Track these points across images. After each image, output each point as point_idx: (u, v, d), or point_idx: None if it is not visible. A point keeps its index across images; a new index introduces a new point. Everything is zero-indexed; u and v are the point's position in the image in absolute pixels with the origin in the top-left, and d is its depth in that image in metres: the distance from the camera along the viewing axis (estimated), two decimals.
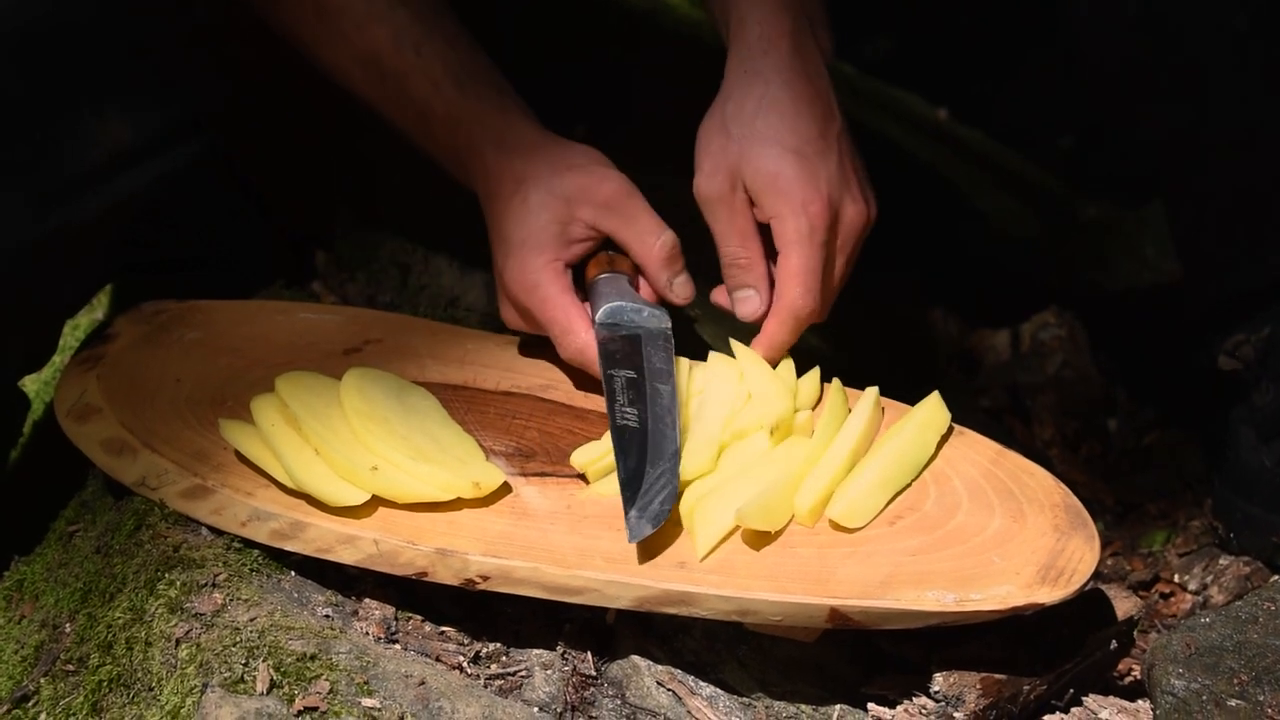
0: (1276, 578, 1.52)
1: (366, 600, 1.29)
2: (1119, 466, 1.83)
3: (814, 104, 1.40)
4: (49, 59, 1.43)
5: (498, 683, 1.25)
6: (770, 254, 1.41)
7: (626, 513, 1.23)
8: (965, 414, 1.43)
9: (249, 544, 1.29)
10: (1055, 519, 1.28)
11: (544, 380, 1.44)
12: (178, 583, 1.25)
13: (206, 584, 1.25)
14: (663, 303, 1.42)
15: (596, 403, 1.40)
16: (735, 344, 1.42)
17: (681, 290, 1.42)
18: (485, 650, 1.28)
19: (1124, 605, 1.36)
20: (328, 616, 1.26)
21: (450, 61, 1.44)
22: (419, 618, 1.30)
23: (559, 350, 1.39)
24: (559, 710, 1.24)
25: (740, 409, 1.36)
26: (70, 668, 1.27)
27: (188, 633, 1.21)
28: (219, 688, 1.17)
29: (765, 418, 1.33)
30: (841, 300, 1.44)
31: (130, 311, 1.51)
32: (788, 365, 1.41)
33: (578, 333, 1.37)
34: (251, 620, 1.22)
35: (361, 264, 1.72)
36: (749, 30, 1.40)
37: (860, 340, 1.70)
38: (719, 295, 1.45)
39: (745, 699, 1.27)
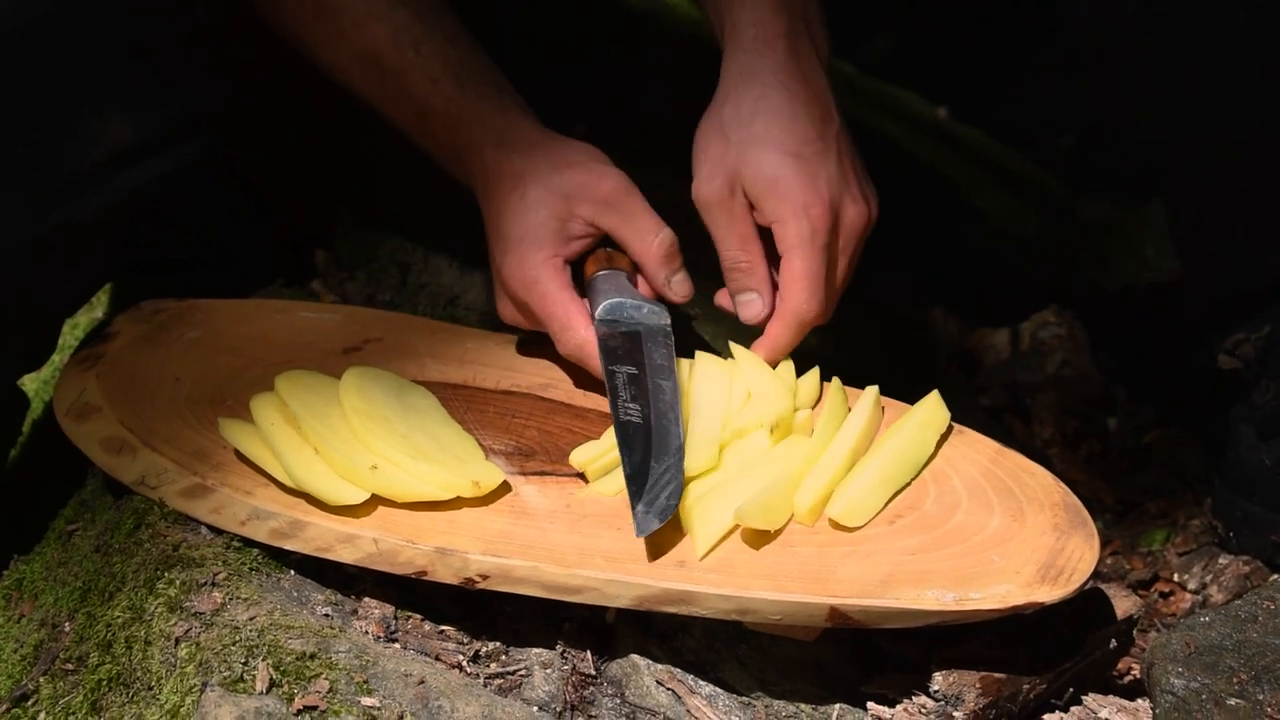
0: (1276, 577, 1.52)
1: (366, 599, 1.29)
2: (1119, 465, 1.83)
3: (811, 105, 1.40)
4: (49, 59, 1.43)
5: (497, 682, 1.25)
6: (771, 255, 1.41)
7: (634, 507, 1.23)
8: (965, 413, 1.43)
9: (248, 543, 1.29)
10: (1055, 518, 1.28)
11: (544, 379, 1.44)
12: (177, 581, 1.25)
13: (206, 583, 1.25)
14: (661, 301, 1.42)
15: (596, 401, 1.40)
16: (734, 346, 1.41)
17: (680, 288, 1.42)
18: (485, 649, 1.28)
19: (1123, 604, 1.36)
20: (327, 615, 1.26)
21: (450, 59, 1.45)
22: (418, 617, 1.30)
23: (558, 346, 1.39)
24: (558, 709, 1.24)
25: (739, 408, 1.36)
26: (69, 667, 1.27)
27: (187, 631, 1.21)
28: (218, 687, 1.17)
29: (765, 416, 1.33)
30: (842, 300, 1.44)
31: (130, 310, 1.50)
32: (787, 365, 1.41)
33: (577, 329, 1.37)
34: (251, 619, 1.22)
35: (361, 263, 1.72)
36: (744, 32, 1.40)
37: (860, 339, 1.70)
38: (722, 298, 1.45)
39: (745, 698, 1.27)
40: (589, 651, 1.28)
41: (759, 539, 1.26)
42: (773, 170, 1.37)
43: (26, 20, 1.42)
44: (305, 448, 1.29)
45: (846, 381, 1.40)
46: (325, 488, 1.26)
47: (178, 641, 1.21)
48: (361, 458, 1.29)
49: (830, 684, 1.30)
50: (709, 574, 1.23)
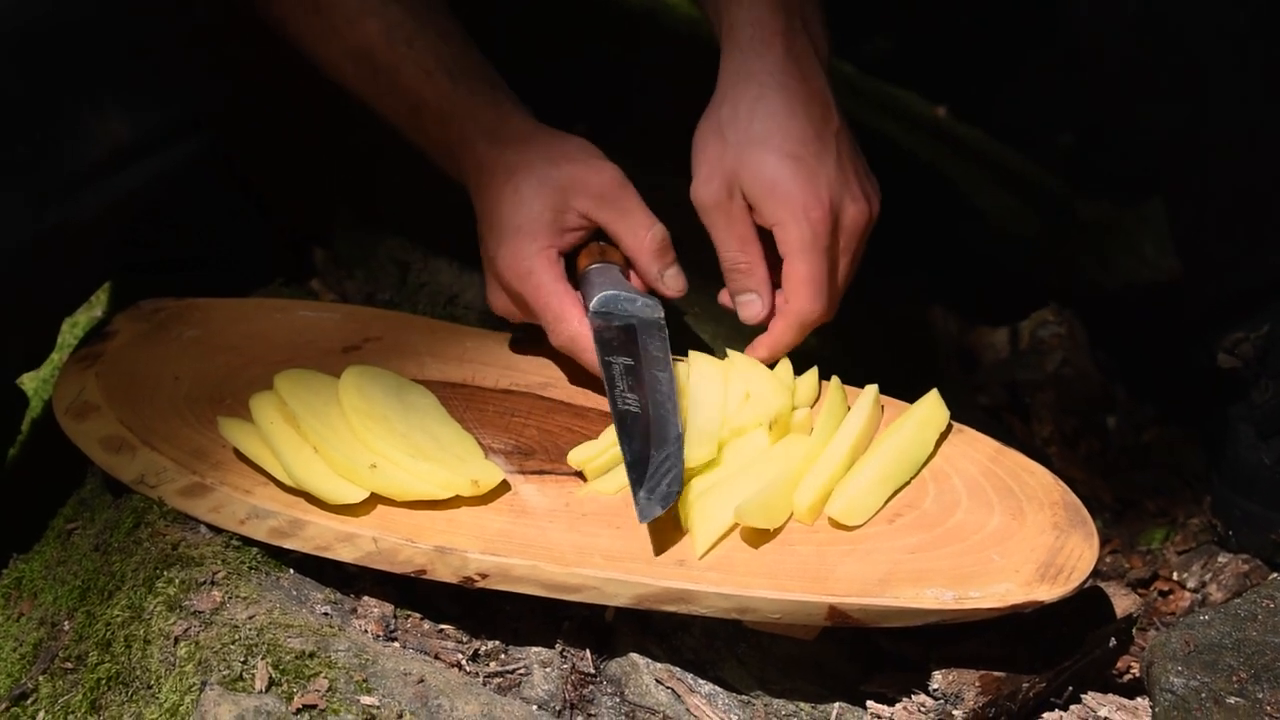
0: (1275, 575, 1.52)
1: (365, 598, 1.29)
2: (1118, 464, 1.83)
3: (810, 105, 1.40)
4: (49, 59, 1.43)
5: (496, 680, 1.25)
6: (770, 254, 1.41)
7: (635, 494, 1.23)
8: (964, 412, 1.43)
9: (248, 542, 1.29)
10: (1054, 517, 1.28)
11: (543, 378, 1.44)
12: (176, 580, 1.25)
13: (205, 582, 1.25)
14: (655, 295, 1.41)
15: (595, 400, 1.40)
16: (731, 352, 1.41)
17: (673, 282, 1.41)
18: (484, 648, 1.28)
19: (1123, 603, 1.36)
20: (326, 614, 1.26)
21: (442, 55, 1.45)
22: (418, 615, 1.30)
23: (551, 338, 1.39)
24: (558, 708, 1.24)
25: (737, 407, 1.36)
26: (69, 665, 1.27)
27: (186, 630, 1.21)
28: (218, 685, 1.17)
29: (763, 414, 1.33)
30: (843, 299, 1.44)
31: (129, 309, 1.51)
32: (785, 364, 1.41)
33: (570, 321, 1.36)
34: (250, 618, 1.22)
35: (360, 261, 1.72)
36: (741, 31, 1.40)
37: (859, 339, 1.70)
38: (725, 298, 1.45)
39: (744, 697, 1.27)
40: (588, 650, 1.28)
41: (758, 538, 1.26)
42: (771, 173, 1.37)
43: (26, 20, 1.42)
44: (304, 446, 1.29)
45: (846, 380, 1.40)
46: (324, 486, 1.26)
47: (177, 640, 1.21)
48: (361, 456, 1.29)
49: (830, 683, 1.30)
50: (708, 573, 1.23)
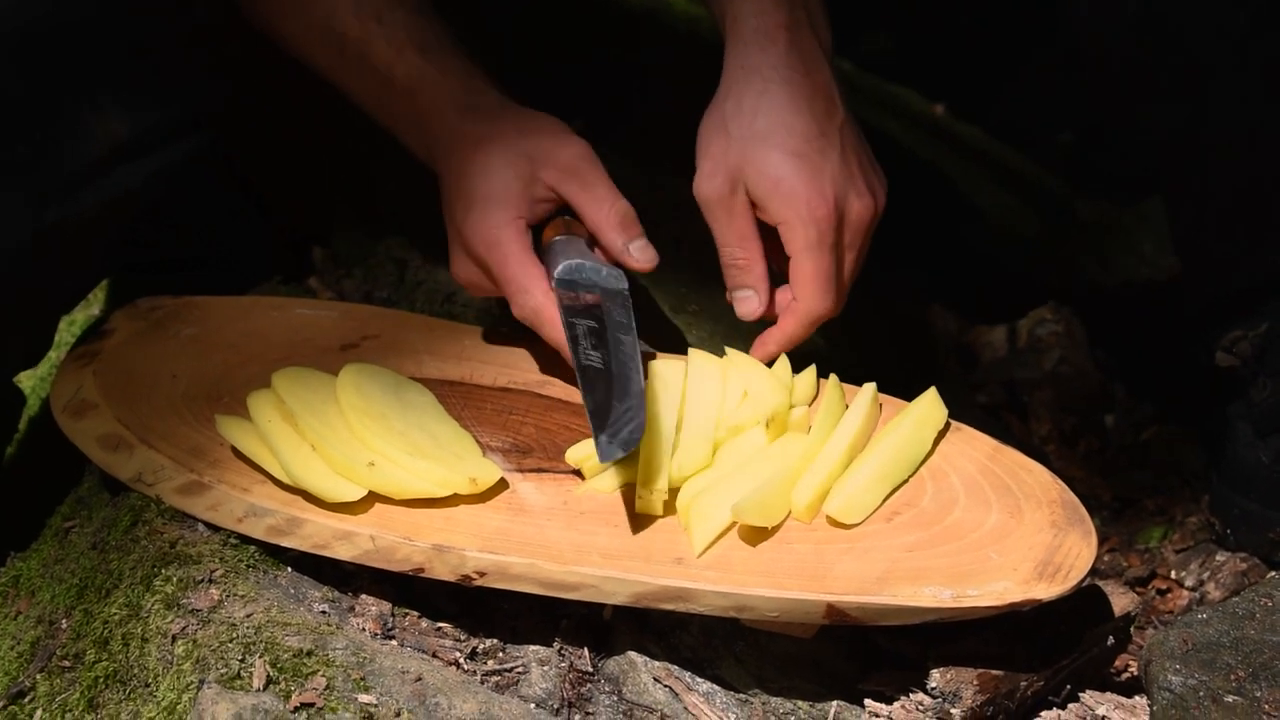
0: (1273, 574, 1.51)
1: (363, 596, 1.29)
2: (1116, 462, 1.82)
3: (814, 99, 1.39)
4: (49, 59, 1.42)
5: (494, 679, 1.25)
6: (773, 249, 1.41)
7: (596, 438, 1.23)
8: (962, 410, 1.43)
9: (245, 540, 1.29)
10: (1052, 515, 1.28)
11: (541, 376, 1.44)
12: (174, 579, 1.25)
13: (203, 580, 1.25)
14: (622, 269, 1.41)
15: None
16: (729, 350, 1.41)
17: (640, 254, 1.40)
18: (482, 646, 1.28)
19: (1121, 601, 1.36)
20: (324, 612, 1.26)
21: (412, 30, 1.45)
22: (416, 614, 1.30)
23: (513, 309, 1.38)
24: (556, 706, 1.23)
25: (735, 405, 1.36)
26: (66, 664, 1.26)
27: (184, 629, 1.21)
28: (215, 684, 1.17)
29: (760, 412, 1.33)
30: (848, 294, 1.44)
31: (126, 307, 1.51)
32: (783, 362, 1.41)
33: (533, 292, 1.36)
34: (248, 616, 1.22)
35: (358, 260, 1.72)
36: (744, 25, 1.40)
37: (858, 337, 1.70)
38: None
39: (742, 695, 1.27)
40: (586, 649, 1.28)
41: (756, 536, 1.26)
42: (776, 171, 1.37)
43: (26, 20, 1.42)
44: (302, 445, 1.29)
45: (844, 378, 1.40)
46: (322, 485, 1.26)
47: (174, 638, 1.21)
48: (359, 455, 1.29)
49: (828, 681, 1.30)
50: (706, 571, 1.23)
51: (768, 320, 1.43)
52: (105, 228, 1.49)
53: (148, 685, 1.20)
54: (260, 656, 1.19)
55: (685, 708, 1.25)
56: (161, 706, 1.18)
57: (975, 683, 1.25)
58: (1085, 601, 1.33)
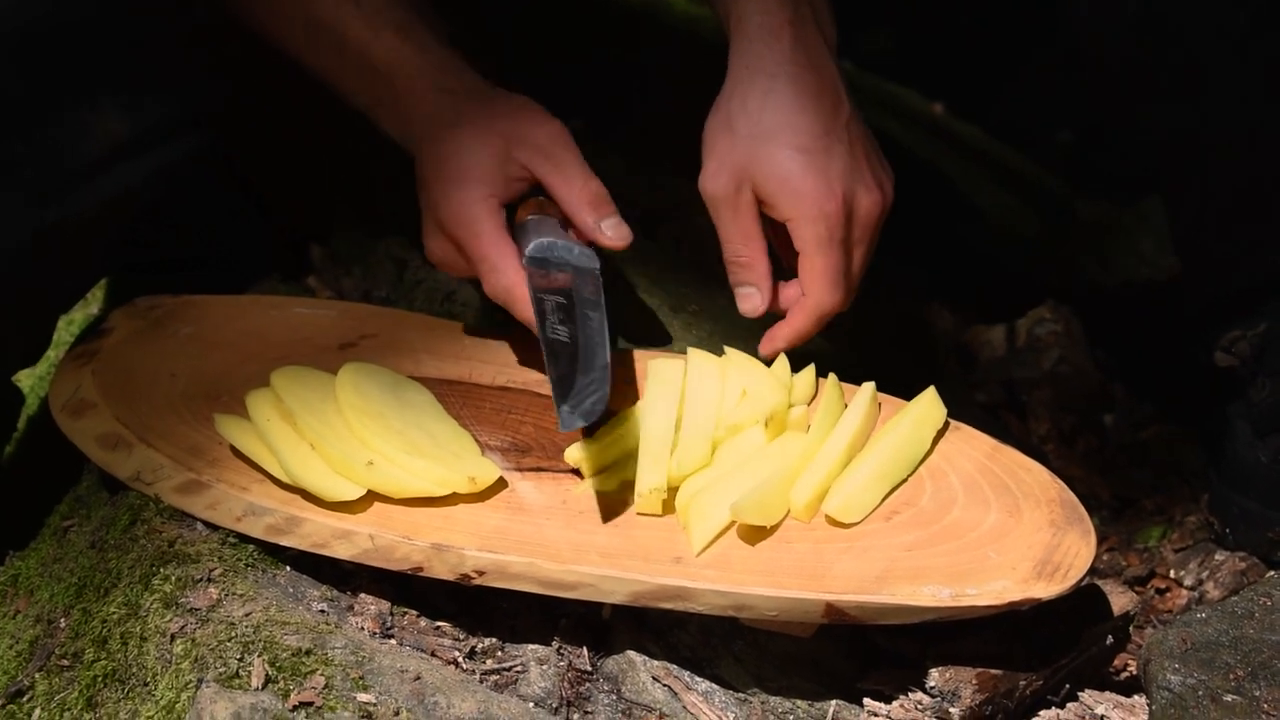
0: (1272, 573, 1.51)
1: (362, 595, 1.29)
2: (1115, 461, 1.82)
3: (820, 96, 1.39)
4: (49, 58, 1.42)
5: (493, 678, 1.25)
6: (782, 244, 1.41)
7: (558, 408, 1.24)
8: (961, 409, 1.43)
9: (244, 539, 1.29)
10: (1051, 514, 1.28)
11: (540, 375, 1.44)
12: (173, 578, 1.25)
13: (201, 579, 1.25)
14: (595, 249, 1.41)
15: None
16: (728, 349, 1.41)
17: (613, 231, 1.41)
18: (481, 645, 1.28)
19: (1120, 600, 1.36)
20: (323, 611, 1.26)
21: (390, 10, 1.45)
22: (414, 613, 1.30)
23: (485, 287, 1.38)
24: (555, 705, 1.23)
25: (734, 404, 1.36)
26: (65, 663, 1.26)
27: (183, 628, 1.21)
28: (214, 683, 1.17)
29: (759, 411, 1.33)
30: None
31: (125, 306, 1.51)
32: (782, 361, 1.41)
33: (506, 271, 1.36)
34: (247, 615, 1.22)
35: (357, 259, 1.72)
36: (749, 22, 1.40)
37: (857, 336, 1.70)
38: None
39: (741, 694, 1.27)
40: (585, 647, 1.28)
41: (755, 535, 1.26)
42: (783, 169, 1.37)
43: (26, 20, 1.42)
44: (301, 444, 1.29)
45: (843, 378, 1.40)
46: (321, 484, 1.26)
47: (173, 637, 1.21)
48: (357, 454, 1.29)
49: (826, 680, 1.30)
50: (705, 570, 1.23)
51: (770, 317, 1.43)
52: (105, 227, 1.49)
53: (146, 684, 1.20)
54: (259, 655, 1.19)
55: (684, 707, 1.25)
56: (160, 705, 1.18)
57: (974, 682, 1.25)
58: (1084, 601, 1.33)
